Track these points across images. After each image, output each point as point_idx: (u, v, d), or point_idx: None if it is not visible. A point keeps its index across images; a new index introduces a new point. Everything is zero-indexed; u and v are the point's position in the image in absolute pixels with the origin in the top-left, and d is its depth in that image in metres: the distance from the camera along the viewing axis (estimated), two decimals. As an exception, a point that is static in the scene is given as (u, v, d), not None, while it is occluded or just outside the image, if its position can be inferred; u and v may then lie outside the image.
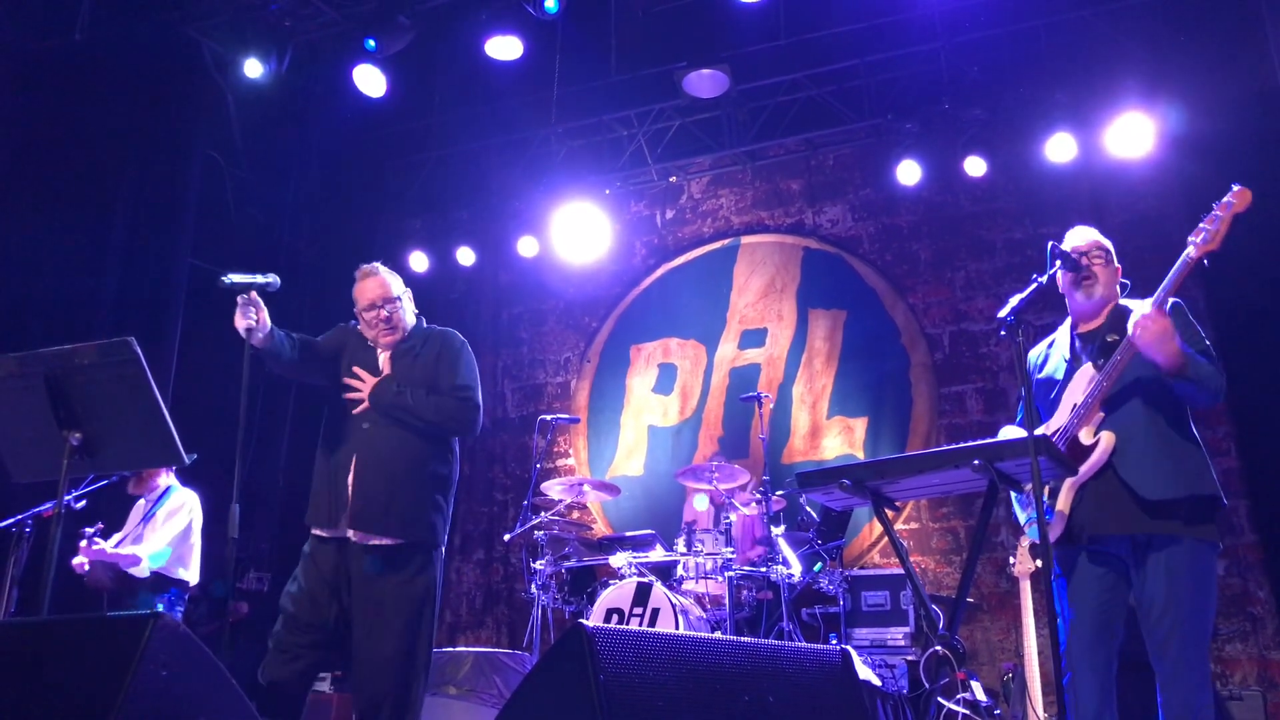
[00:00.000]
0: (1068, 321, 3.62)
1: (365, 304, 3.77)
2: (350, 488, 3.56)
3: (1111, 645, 3.27)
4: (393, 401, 3.61)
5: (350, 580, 3.57)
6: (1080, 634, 3.26)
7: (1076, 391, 3.35)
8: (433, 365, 3.73)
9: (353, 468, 3.58)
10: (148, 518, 5.73)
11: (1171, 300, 3.28)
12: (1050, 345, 3.64)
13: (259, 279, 3.47)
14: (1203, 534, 3.17)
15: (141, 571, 5.57)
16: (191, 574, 5.81)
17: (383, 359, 3.79)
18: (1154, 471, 3.17)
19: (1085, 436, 3.27)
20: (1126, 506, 3.18)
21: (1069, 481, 3.29)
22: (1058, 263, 3.29)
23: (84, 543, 5.40)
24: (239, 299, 3.46)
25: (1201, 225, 3.18)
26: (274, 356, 3.64)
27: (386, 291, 3.78)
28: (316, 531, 3.67)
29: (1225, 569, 6.65)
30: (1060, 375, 3.46)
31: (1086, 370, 3.36)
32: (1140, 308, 3.18)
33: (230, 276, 3.46)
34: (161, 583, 5.69)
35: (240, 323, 3.45)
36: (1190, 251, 3.19)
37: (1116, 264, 3.55)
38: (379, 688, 3.46)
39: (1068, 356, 3.49)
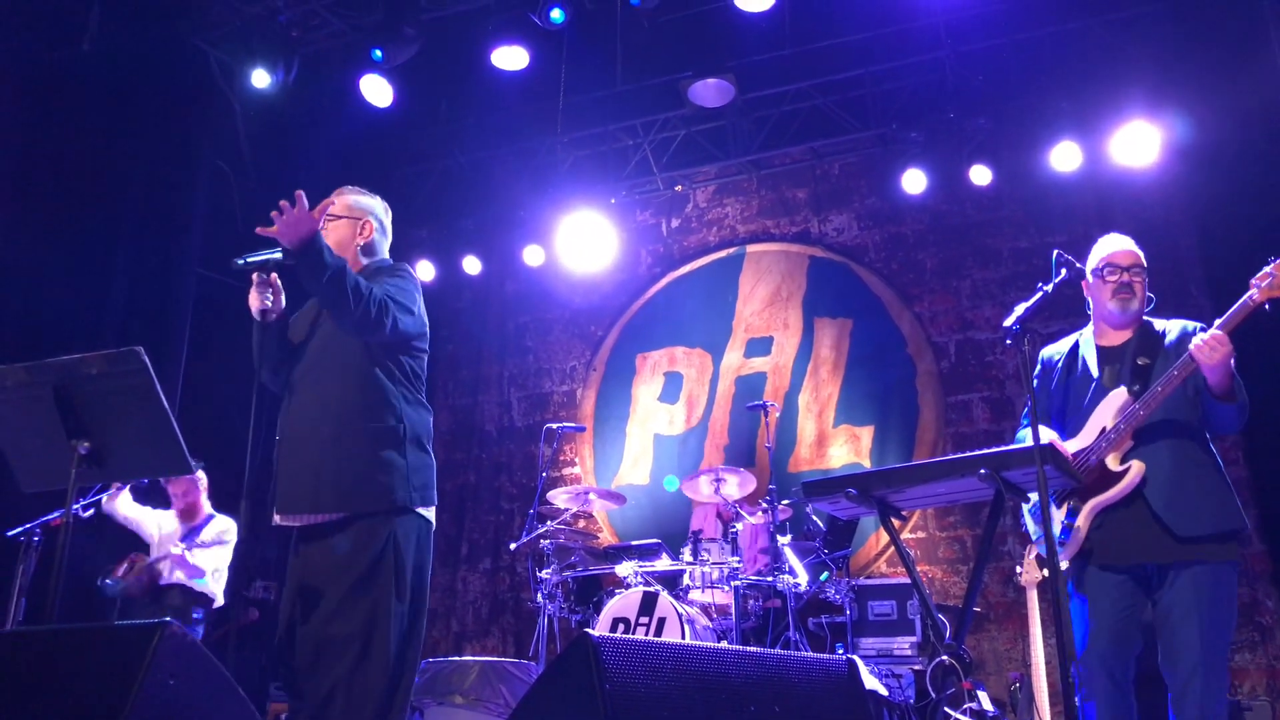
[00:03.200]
0: (1089, 328, 3.60)
1: None
2: (281, 466, 3.15)
3: (1130, 654, 3.28)
4: (318, 256, 3.01)
5: (297, 571, 3.10)
6: (1099, 644, 3.26)
7: (1106, 415, 3.35)
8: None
9: (277, 447, 3.18)
10: (193, 536, 5.91)
11: (1203, 326, 3.31)
12: (1074, 350, 3.61)
13: (275, 255, 3.18)
14: (1226, 555, 3.20)
15: (201, 585, 5.89)
16: (220, 594, 6.07)
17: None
18: (1186, 507, 3.19)
19: (1113, 463, 3.29)
20: (1158, 538, 3.20)
21: (1091, 502, 3.29)
22: (1063, 270, 3.29)
23: (176, 550, 5.75)
24: (255, 277, 3.20)
25: (1267, 269, 3.15)
26: (278, 342, 3.30)
27: (329, 208, 3.37)
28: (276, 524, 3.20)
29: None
30: (1086, 389, 3.45)
31: (1120, 395, 3.35)
32: (1205, 334, 3.17)
33: (244, 257, 3.24)
34: (200, 599, 5.94)
35: (255, 302, 3.20)
36: (1253, 294, 3.16)
37: (1145, 283, 3.55)
38: (317, 679, 2.95)
39: (1094, 371, 3.48)
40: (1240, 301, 3.18)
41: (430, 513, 3.22)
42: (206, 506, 6.18)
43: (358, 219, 3.40)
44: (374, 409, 3.16)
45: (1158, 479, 3.23)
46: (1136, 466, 3.24)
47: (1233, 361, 3.16)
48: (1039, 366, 3.69)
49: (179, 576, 5.84)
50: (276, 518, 3.16)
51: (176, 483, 6.06)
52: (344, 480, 3.07)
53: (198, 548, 5.86)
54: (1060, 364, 3.61)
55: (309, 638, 3.00)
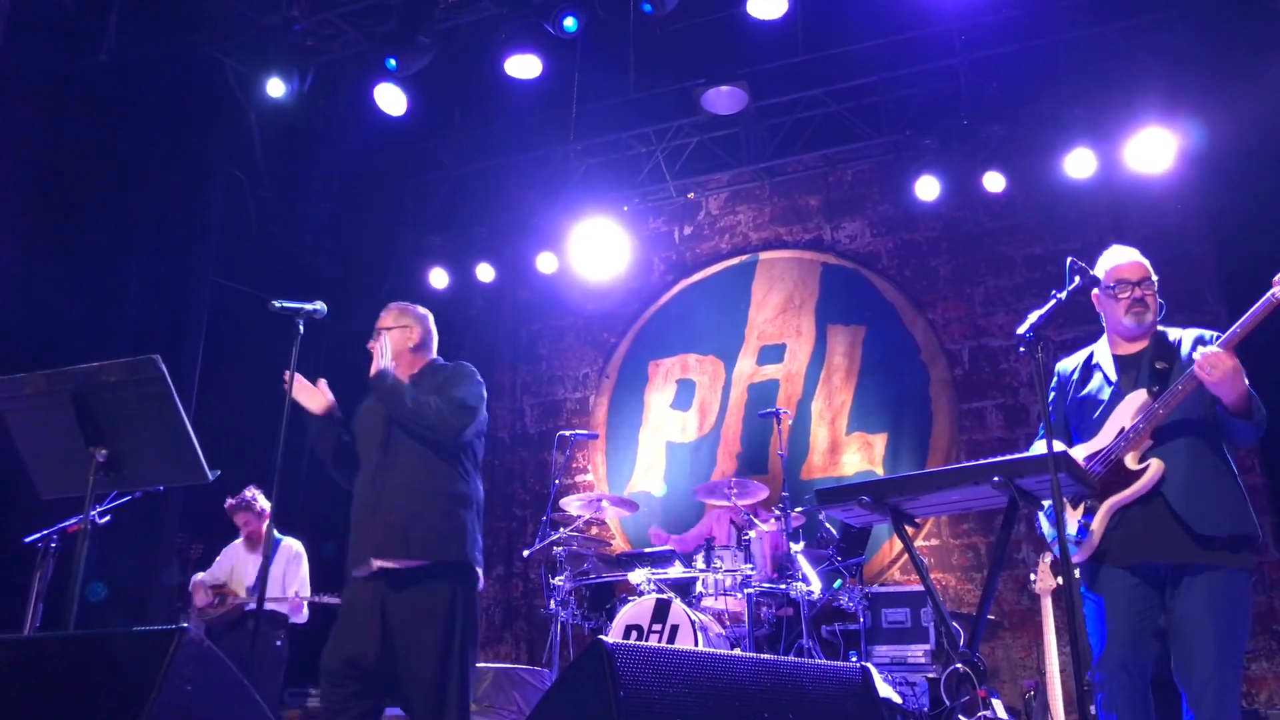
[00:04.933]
0: (1104, 340, 3.60)
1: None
2: (372, 521, 3.68)
3: (1149, 657, 3.27)
4: (391, 385, 3.70)
5: (385, 610, 3.60)
6: (1117, 646, 3.25)
7: (1124, 415, 3.35)
8: (437, 391, 3.78)
9: (372, 501, 3.70)
10: (269, 565, 6.07)
11: (1216, 333, 3.30)
12: (1089, 361, 3.61)
13: (306, 306, 3.77)
14: (1241, 562, 3.20)
15: (300, 618, 6.21)
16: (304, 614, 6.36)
17: None
18: (1204, 505, 3.19)
19: (1131, 461, 3.28)
20: (1176, 536, 3.19)
21: (1108, 503, 3.29)
22: (1076, 278, 3.29)
23: (293, 598, 6.10)
24: (319, 382, 3.86)
25: None
26: (322, 434, 3.91)
27: (380, 323, 3.97)
28: (354, 574, 3.74)
29: (1250, 587, 6.59)
30: (1105, 396, 3.44)
31: (1139, 395, 3.35)
32: (1207, 348, 3.15)
33: (279, 302, 3.74)
34: (280, 619, 6.19)
35: (321, 403, 3.85)
36: (1276, 291, 3.11)
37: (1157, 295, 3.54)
38: (425, 705, 3.51)
39: (1112, 379, 3.47)
40: (1262, 300, 3.13)
41: (480, 572, 3.77)
42: (268, 526, 6.30)
43: (406, 327, 3.97)
44: (452, 475, 3.75)
45: (1176, 477, 3.22)
46: (1156, 464, 3.23)
47: (1245, 378, 3.13)
48: (1055, 379, 3.69)
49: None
50: (375, 563, 3.63)
51: (241, 514, 6.30)
52: (429, 534, 3.63)
53: (275, 588, 6.10)
54: (1075, 377, 3.60)
55: (408, 675, 3.55)
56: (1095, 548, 3.31)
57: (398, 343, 3.92)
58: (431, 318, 4.11)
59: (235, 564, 6.33)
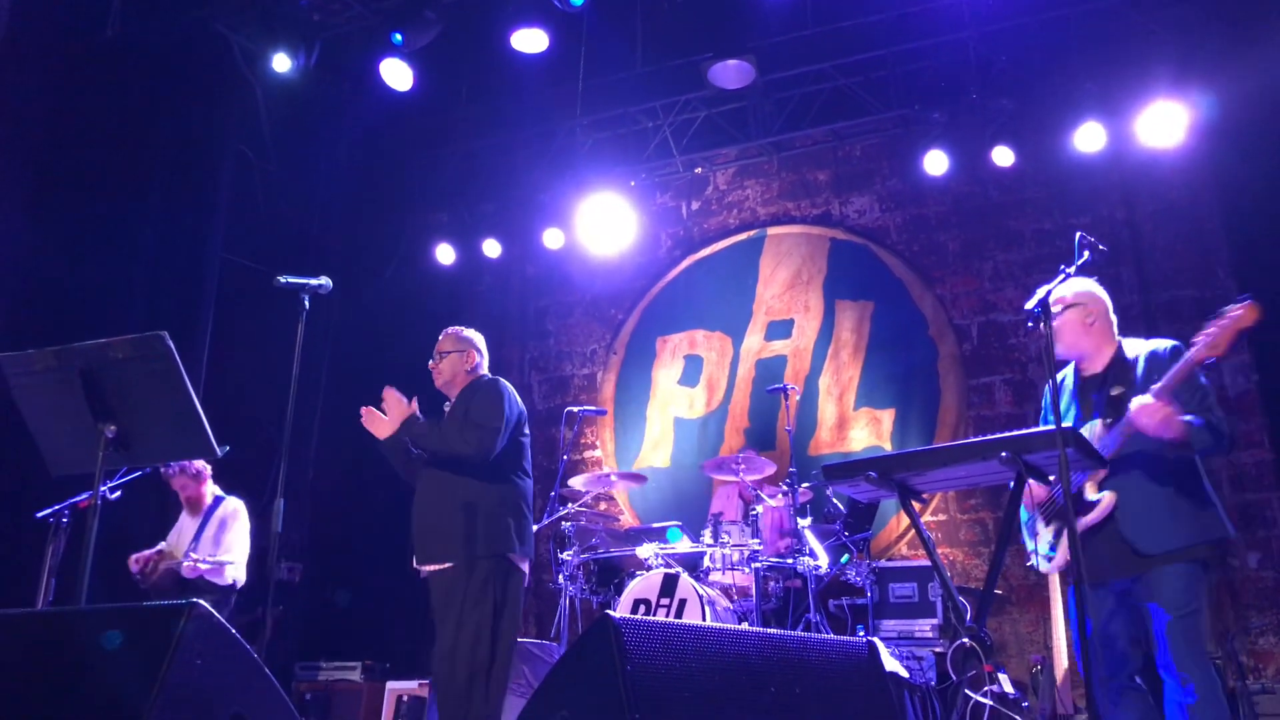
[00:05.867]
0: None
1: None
2: (415, 530, 4.18)
3: (1130, 662, 3.43)
4: (419, 433, 4.19)
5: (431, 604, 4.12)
6: (1098, 654, 3.39)
7: None
8: (466, 410, 4.25)
9: (416, 511, 4.18)
10: (202, 530, 5.92)
11: (1173, 345, 3.42)
12: (1066, 381, 3.71)
13: (311, 282, 3.91)
14: (1191, 556, 3.32)
15: (224, 580, 5.83)
16: (243, 576, 6.01)
17: (447, 410, 4.41)
18: (1154, 527, 3.32)
19: (1090, 491, 3.42)
20: (1125, 556, 3.35)
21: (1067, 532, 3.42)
22: (1086, 253, 3.28)
23: (188, 563, 5.73)
24: (413, 400, 4.26)
25: (1206, 329, 3.22)
26: (392, 456, 4.34)
27: (444, 347, 4.47)
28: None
29: (1258, 562, 6.59)
30: (1070, 421, 3.53)
31: (1094, 427, 3.45)
32: (1140, 399, 3.25)
33: (284, 278, 3.89)
34: (211, 586, 5.88)
35: (376, 428, 4.25)
36: (1192, 353, 3.22)
37: (1089, 319, 3.58)
38: (447, 682, 3.96)
39: (1076, 406, 3.60)
40: (1181, 361, 3.25)
41: (525, 564, 4.22)
42: (210, 494, 6.12)
43: (463, 351, 4.47)
44: (486, 477, 4.16)
45: (1129, 506, 3.37)
46: (1108, 498, 3.38)
47: (1184, 418, 3.21)
48: (1060, 380, 3.75)
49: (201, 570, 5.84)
50: (419, 568, 4.16)
51: (176, 480, 6.03)
52: (454, 538, 4.06)
53: (200, 550, 5.81)
54: (1061, 390, 3.68)
55: (443, 649, 4.01)
56: (1062, 566, 3.48)
57: (455, 365, 4.44)
58: (482, 339, 4.63)
59: (180, 530, 6.09)
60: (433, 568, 4.11)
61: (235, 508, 6.10)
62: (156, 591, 5.84)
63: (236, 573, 5.89)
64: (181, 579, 5.77)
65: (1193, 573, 3.31)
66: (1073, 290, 3.56)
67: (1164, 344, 3.46)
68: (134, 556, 5.95)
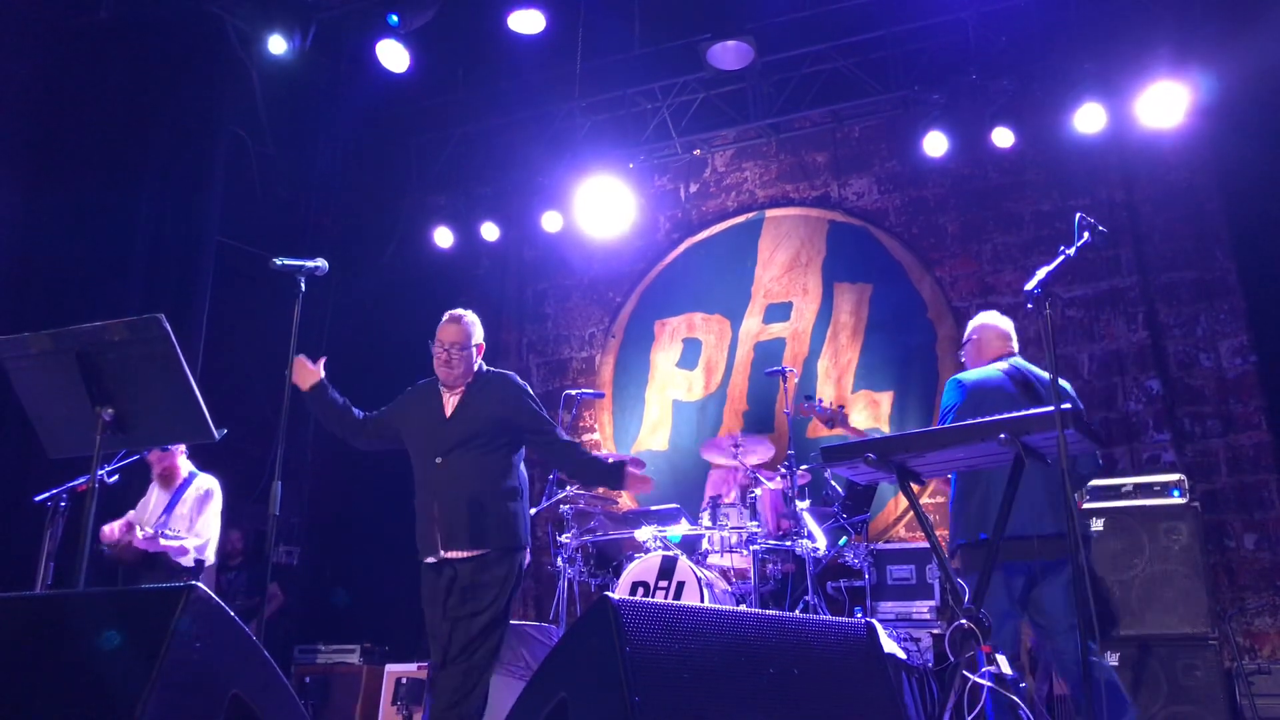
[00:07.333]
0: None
1: (440, 342, 4.27)
2: (439, 518, 4.11)
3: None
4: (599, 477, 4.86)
5: (451, 589, 4.11)
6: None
7: None
8: (498, 404, 4.23)
9: (438, 500, 4.13)
10: (174, 504, 5.74)
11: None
12: None
13: (307, 264, 3.94)
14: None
15: (188, 561, 5.60)
16: (211, 556, 5.83)
17: (450, 402, 4.26)
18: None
19: None
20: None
21: None
22: (1085, 234, 3.27)
23: (140, 534, 5.48)
24: (319, 361, 4.23)
25: (803, 404, 3.41)
26: (322, 409, 4.31)
27: (462, 340, 4.27)
28: (425, 560, 4.18)
29: (1255, 543, 6.61)
30: None
31: None
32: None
33: (280, 260, 3.90)
34: (176, 566, 5.66)
35: (311, 379, 4.23)
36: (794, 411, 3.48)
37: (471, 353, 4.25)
38: (468, 664, 4.01)
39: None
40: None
41: (527, 551, 4.30)
42: (184, 469, 5.89)
43: (478, 345, 4.37)
44: (505, 472, 4.23)
45: None
46: None
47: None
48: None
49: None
50: (446, 554, 4.10)
51: (152, 451, 5.74)
52: (488, 526, 4.10)
53: (173, 526, 5.60)
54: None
55: (456, 640, 4.05)
56: None
57: (471, 361, 4.31)
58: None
59: (150, 502, 5.86)
60: (461, 554, 4.08)
61: (210, 486, 5.84)
62: (121, 563, 5.60)
63: (205, 553, 5.69)
64: (145, 552, 5.51)
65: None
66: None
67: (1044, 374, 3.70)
68: (105, 526, 5.65)
